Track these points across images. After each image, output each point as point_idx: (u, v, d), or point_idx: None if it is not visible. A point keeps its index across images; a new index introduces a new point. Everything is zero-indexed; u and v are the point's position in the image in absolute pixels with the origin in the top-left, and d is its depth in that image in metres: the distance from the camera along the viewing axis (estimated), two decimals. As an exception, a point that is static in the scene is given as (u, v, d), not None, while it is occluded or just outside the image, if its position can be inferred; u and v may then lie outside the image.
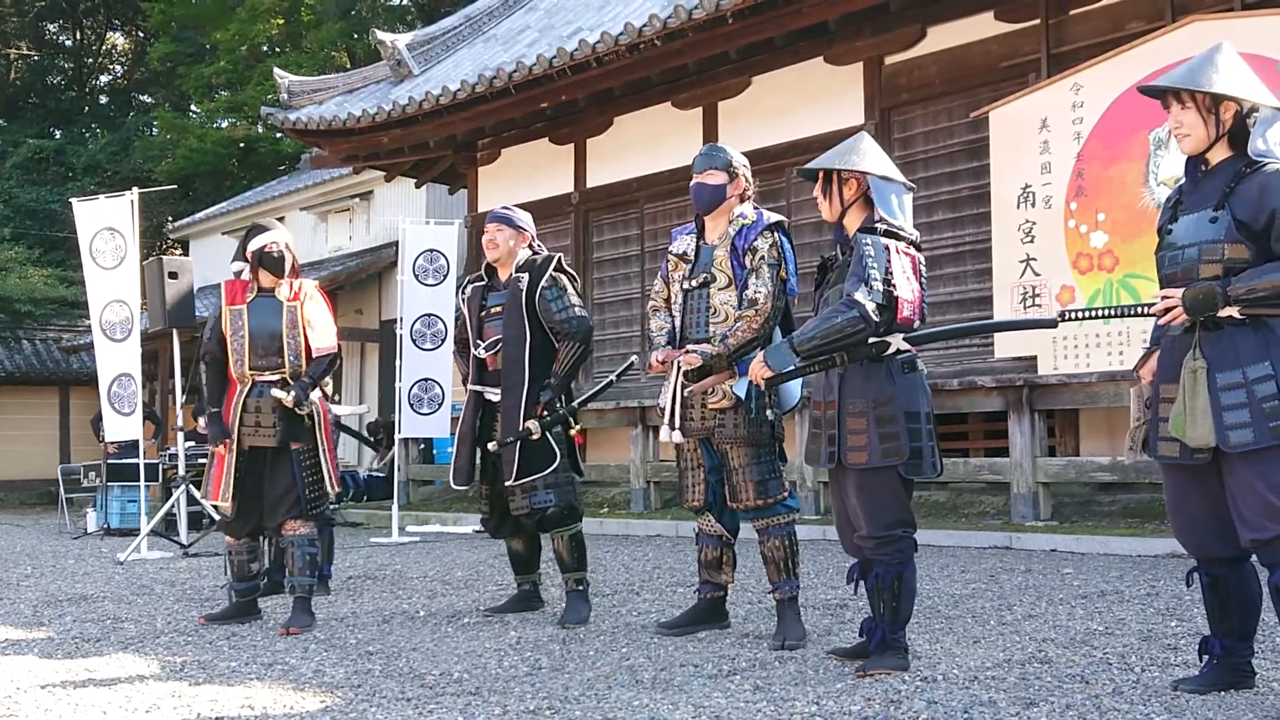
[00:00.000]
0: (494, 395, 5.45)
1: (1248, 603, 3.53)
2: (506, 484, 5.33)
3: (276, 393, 5.42)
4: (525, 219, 5.66)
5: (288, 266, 5.59)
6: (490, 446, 5.38)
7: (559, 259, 5.52)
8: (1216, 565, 3.54)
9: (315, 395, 5.53)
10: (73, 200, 10.51)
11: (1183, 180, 3.65)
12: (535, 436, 5.24)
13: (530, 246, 5.61)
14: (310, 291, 5.65)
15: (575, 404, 5.47)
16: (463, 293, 5.75)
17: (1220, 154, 3.50)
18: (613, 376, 5.46)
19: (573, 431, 5.48)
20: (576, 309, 5.41)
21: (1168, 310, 3.41)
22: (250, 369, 5.49)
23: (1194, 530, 3.55)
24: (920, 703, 3.53)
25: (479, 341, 5.55)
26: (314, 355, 5.55)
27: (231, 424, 5.45)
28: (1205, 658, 3.61)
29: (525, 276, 5.42)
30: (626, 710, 3.55)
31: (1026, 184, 8.60)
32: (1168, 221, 3.59)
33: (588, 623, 5.24)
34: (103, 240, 10.03)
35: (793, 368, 4.07)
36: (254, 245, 5.57)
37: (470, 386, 5.59)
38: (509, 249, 5.54)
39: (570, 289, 5.45)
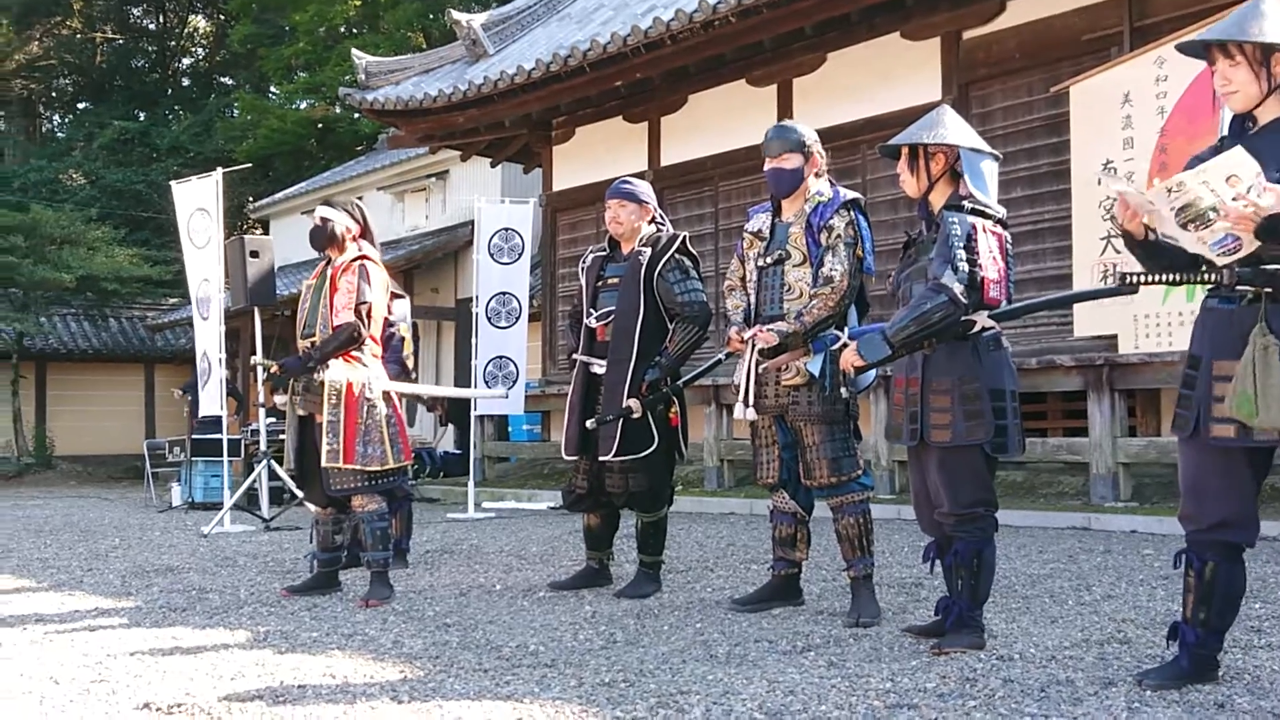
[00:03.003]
0: (599, 368, 5.41)
1: (1232, 596, 3.32)
2: (601, 459, 5.31)
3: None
4: (646, 191, 5.53)
5: (333, 235, 5.52)
6: (588, 424, 5.35)
7: (684, 239, 5.44)
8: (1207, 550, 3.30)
9: (343, 369, 5.37)
10: (172, 183, 10.99)
11: (1222, 139, 3.36)
12: (636, 415, 5.21)
13: (653, 220, 5.55)
14: (349, 263, 5.49)
15: (680, 383, 5.41)
16: (583, 262, 5.70)
17: (1272, 111, 3.23)
18: (719, 357, 5.33)
19: (671, 412, 5.39)
20: (699, 292, 5.36)
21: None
22: (301, 337, 5.58)
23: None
24: (996, 681, 3.51)
25: (592, 310, 5.51)
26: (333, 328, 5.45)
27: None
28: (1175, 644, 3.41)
29: (648, 252, 5.37)
30: (701, 684, 3.56)
31: (1108, 160, 8.43)
32: None
33: (646, 599, 5.25)
34: (197, 220, 10.35)
35: (885, 355, 4.02)
36: None
37: (578, 356, 5.54)
38: (633, 226, 5.45)
39: (693, 271, 5.40)
